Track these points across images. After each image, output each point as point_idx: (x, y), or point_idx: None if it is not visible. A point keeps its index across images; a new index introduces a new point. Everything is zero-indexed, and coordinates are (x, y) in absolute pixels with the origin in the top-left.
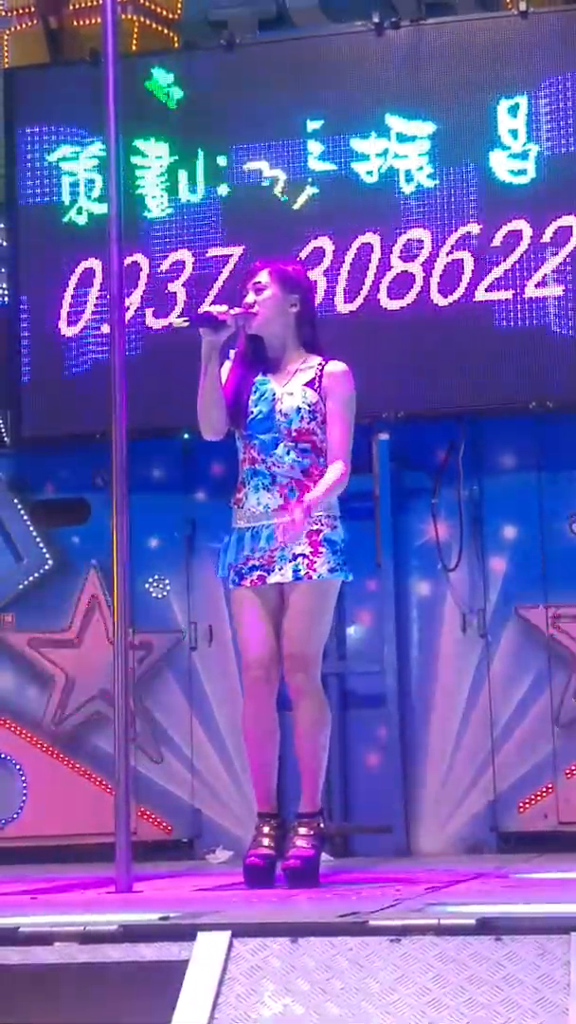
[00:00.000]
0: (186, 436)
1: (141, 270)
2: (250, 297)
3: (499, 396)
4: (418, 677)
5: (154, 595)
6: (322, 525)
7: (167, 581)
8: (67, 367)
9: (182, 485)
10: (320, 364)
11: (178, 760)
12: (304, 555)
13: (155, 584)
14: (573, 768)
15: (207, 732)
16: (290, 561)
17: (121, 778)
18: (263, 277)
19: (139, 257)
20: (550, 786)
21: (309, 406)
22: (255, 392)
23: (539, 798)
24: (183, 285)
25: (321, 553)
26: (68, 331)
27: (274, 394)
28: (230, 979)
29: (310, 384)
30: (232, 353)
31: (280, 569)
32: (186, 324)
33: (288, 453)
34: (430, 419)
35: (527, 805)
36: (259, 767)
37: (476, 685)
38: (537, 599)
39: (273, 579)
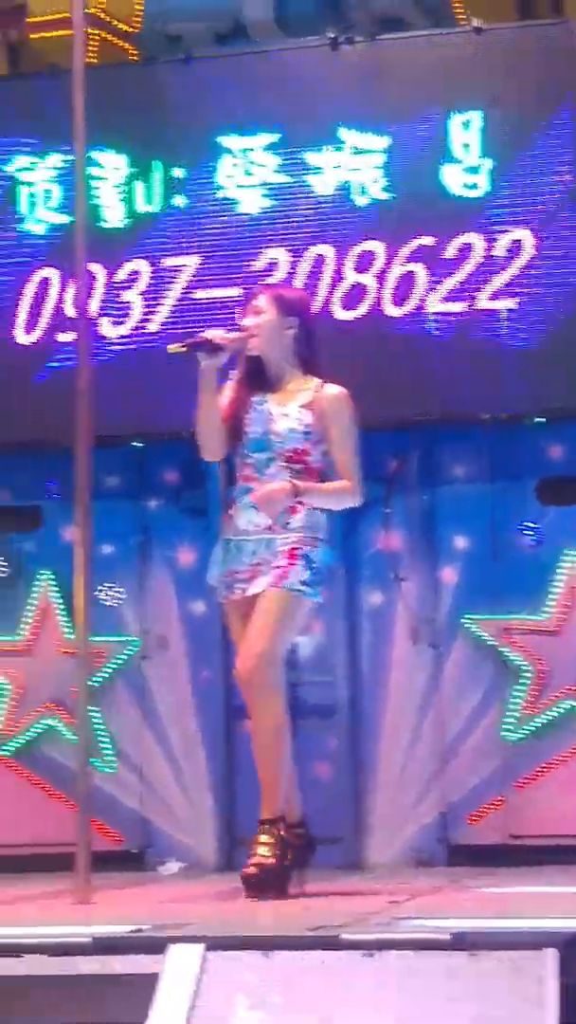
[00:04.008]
0: (139, 444)
1: (96, 279)
2: (248, 320)
3: (452, 407)
4: (369, 687)
5: (107, 603)
6: (303, 544)
7: (120, 589)
8: (23, 375)
9: (136, 492)
10: (317, 386)
11: (128, 770)
12: (279, 566)
13: (107, 591)
14: (523, 781)
15: (158, 742)
16: (267, 576)
17: (81, 789)
18: (262, 301)
19: (95, 267)
20: (500, 799)
21: (303, 427)
22: (252, 411)
23: (489, 811)
24: (139, 295)
25: (294, 566)
26: (24, 339)
27: (270, 414)
28: (203, 991)
29: (307, 405)
30: (232, 374)
31: (258, 583)
32: (183, 350)
33: (279, 474)
34: (382, 429)
35: (478, 818)
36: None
37: (427, 696)
38: (488, 610)
39: (251, 591)
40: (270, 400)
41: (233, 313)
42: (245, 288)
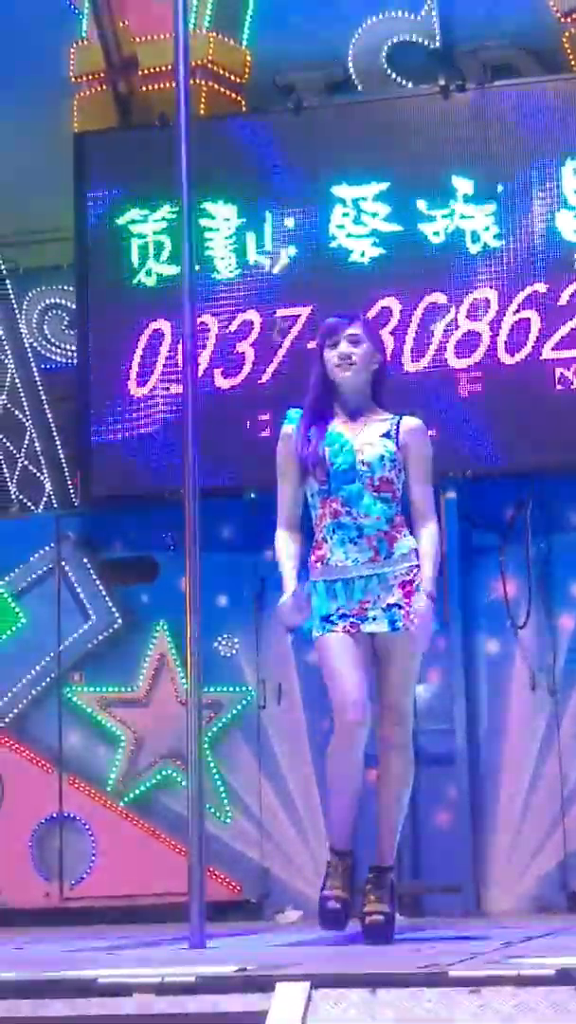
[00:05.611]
0: (253, 495)
1: (209, 331)
2: (344, 347)
3: (567, 454)
4: (487, 735)
5: (223, 654)
6: (413, 575)
7: (236, 640)
8: (136, 427)
9: (250, 543)
10: (394, 418)
11: (247, 819)
12: (399, 605)
13: (224, 643)
14: None
15: (276, 791)
16: (384, 611)
17: (194, 836)
18: (358, 329)
19: (207, 318)
20: None
21: (390, 456)
22: (332, 443)
23: None
24: (251, 345)
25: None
26: (137, 391)
27: (353, 444)
28: None
29: (386, 435)
30: (292, 413)
31: (374, 619)
32: None
33: (374, 504)
34: (498, 477)
35: None
36: (348, 806)
37: (546, 743)
38: None
39: (368, 628)
40: (347, 431)
41: None
42: (339, 317)
